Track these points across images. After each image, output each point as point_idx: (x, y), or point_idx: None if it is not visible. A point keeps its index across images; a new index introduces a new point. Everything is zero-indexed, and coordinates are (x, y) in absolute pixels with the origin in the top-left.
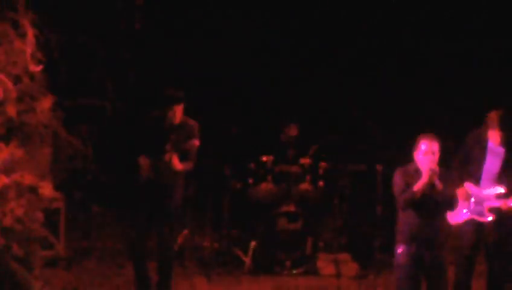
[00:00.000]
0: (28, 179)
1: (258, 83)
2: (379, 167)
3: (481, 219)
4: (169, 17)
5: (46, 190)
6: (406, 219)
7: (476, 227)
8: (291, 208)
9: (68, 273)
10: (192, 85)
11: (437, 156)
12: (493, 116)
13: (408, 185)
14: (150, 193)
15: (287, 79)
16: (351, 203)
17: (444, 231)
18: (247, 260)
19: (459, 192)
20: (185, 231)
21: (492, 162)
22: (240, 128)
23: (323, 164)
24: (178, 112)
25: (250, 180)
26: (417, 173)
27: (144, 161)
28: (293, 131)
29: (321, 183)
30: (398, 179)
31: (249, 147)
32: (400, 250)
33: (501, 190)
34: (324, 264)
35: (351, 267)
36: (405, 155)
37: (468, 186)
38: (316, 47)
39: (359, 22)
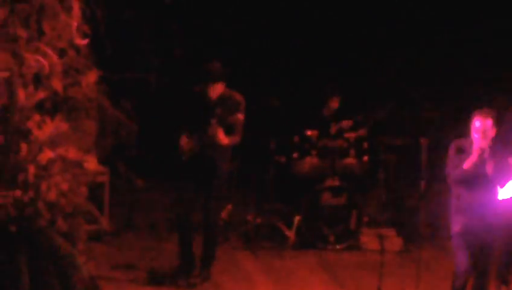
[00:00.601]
0: (73, 153)
1: (302, 56)
2: (424, 141)
3: None
4: None
5: (91, 164)
6: (457, 192)
7: None
8: (336, 183)
9: (112, 247)
10: (238, 59)
11: (490, 133)
12: None
13: (461, 160)
14: (196, 167)
15: (329, 51)
16: (395, 177)
17: (495, 205)
18: (291, 234)
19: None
20: (229, 206)
21: None
22: (284, 103)
23: (368, 138)
24: (216, 89)
25: (295, 155)
26: (471, 148)
27: (184, 141)
28: (335, 104)
29: (365, 157)
30: (451, 152)
31: (293, 121)
32: (454, 220)
33: None
34: (368, 239)
35: (395, 243)
36: (452, 129)
37: None
38: (360, 17)
39: None
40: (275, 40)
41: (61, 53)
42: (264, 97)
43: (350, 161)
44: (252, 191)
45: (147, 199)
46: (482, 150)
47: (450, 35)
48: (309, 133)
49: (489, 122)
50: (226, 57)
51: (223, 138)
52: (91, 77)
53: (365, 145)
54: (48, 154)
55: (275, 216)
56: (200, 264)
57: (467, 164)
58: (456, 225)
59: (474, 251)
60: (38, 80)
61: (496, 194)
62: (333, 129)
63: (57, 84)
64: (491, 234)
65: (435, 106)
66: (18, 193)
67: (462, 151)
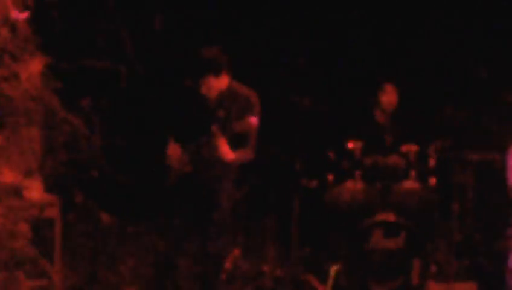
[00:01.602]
0: (9, 177)
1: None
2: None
3: None
4: None
5: (35, 191)
6: None
7: None
8: (390, 217)
9: None
10: (247, 45)
11: None
12: None
13: None
14: (188, 194)
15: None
16: (476, 209)
17: None
18: (327, 289)
19: None
20: (236, 251)
21: None
22: (318, 103)
23: (435, 153)
24: (218, 83)
25: (330, 177)
26: None
27: (174, 150)
28: (390, 101)
29: (433, 180)
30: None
31: (329, 130)
32: None
33: None
34: None
35: None
36: None
37: None
38: None
39: None
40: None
41: None
42: (288, 95)
43: (410, 184)
44: (268, 230)
45: (116, 242)
46: None
47: None
48: (351, 145)
49: None
50: (232, 36)
51: (227, 153)
52: (35, 66)
53: (432, 162)
54: None
55: (301, 266)
56: None
57: None
58: None
59: None
60: None
61: None
62: (388, 140)
63: None
64: None
65: None
66: None
67: None
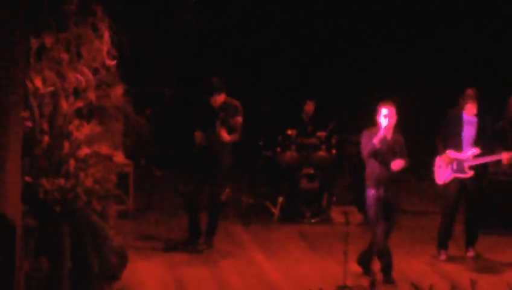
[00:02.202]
0: (105, 150)
1: (286, 71)
2: None
3: (463, 176)
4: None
5: (119, 158)
6: (371, 168)
7: (458, 182)
8: (311, 171)
9: (136, 222)
10: (235, 74)
11: (392, 119)
12: (470, 92)
13: (371, 139)
14: (204, 159)
15: (307, 67)
16: (356, 166)
17: (395, 173)
18: (276, 211)
19: (444, 158)
20: (228, 190)
21: (469, 131)
22: (271, 108)
23: (335, 136)
24: (218, 98)
25: (278, 149)
26: (378, 132)
27: (198, 134)
28: (310, 109)
29: (334, 151)
30: (364, 137)
31: (277, 124)
32: (370, 193)
33: (477, 151)
34: (336, 214)
35: (357, 217)
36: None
37: (451, 152)
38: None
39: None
40: (268, 58)
41: (95, 71)
42: (255, 104)
43: (322, 154)
44: (245, 178)
45: (163, 185)
46: (387, 131)
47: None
48: (289, 132)
49: (392, 109)
50: (226, 73)
51: (225, 136)
52: (118, 90)
53: (333, 141)
54: (85, 151)
55: (263, 197)
56: (205, 235)
57: (376, 139)
58: (372, 197)
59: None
60: (77, 92)
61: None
62: (309, 129)
63: (92, 96)
64: (395, 197)
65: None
66: (62, 181)
67: (372, 136)
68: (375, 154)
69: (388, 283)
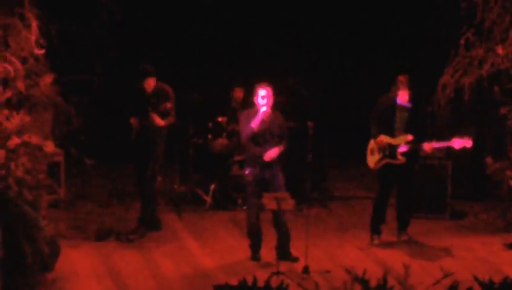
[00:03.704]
0: (35, 139)
1: (214, 58)
2: (310, 124)
3: (395, 161)
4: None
5: (49, 147)
6: (250, 149)
7: (390, 167)
8: (241, 158)
9: (67, 212)
10: (165, 61)
11: (270, 99)
12: (402, 78)
13: (249, 122)
14: (140, 145)
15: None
16: (288, 153)
17: (278, 156)
18: (208, 199)
19: (377, 142)
20: (159, 178)
21: (402, 117)
22: (201, 95)
23: None
24: (151, 82)
25: (209, 136)
26: (256, 114)
27: (134, 121)
28: (239, 95)
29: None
30: (242, 119)
31: (208, 111)
32: (247, 171)
33: (409, 137)
34: (268, 201)
35: (289, 203)
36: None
37: (383, 137)
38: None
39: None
40: (193, 47)
41: (24, 61)
42: (186, 92)
43: None
44: (177, 166)
45: (94, 174)
46: (265, 113)
47: None
48: (220, 119)
49: (269, 91)
50: (154, 61)
51: (159, 121)
52: (47, 79)
53: None
54: (15, 141)
55: (195, 185)
56: (137, 224)
57: (254, 122)
58: (249, 174)
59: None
60: (6, 82)
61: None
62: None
63: (21, 85)
64: (276, 179)
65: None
66: None
67: (250, 117)
68: (254, 136)
69: (292, 260)
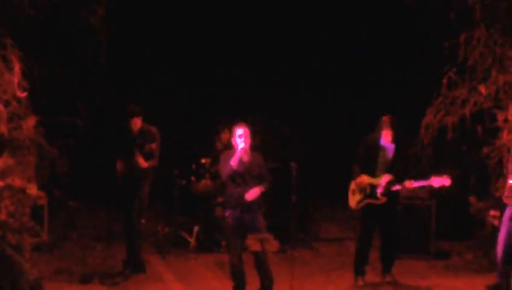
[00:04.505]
0: (18, 182)
1: (200, 100)
2: (293, 164)
3: (376, 201)
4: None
5: (33, 190)
6: (229, 190)
7: (372, 208)
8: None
9: (51, 255)
10: (149, 103)
11: (247, 139)
12: (385, 119)
13: (228, 162)
14: (125, 185)
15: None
16: (272, 194)
17: (259, 198)
18: (192, 240)
19: (358, 182)
20: (143, 220)
21: (385, 157)
22: (184, 137)
23: None
24: (137, 122)
25: (193, 178)
26: (235, 154)
27: (119, 164)
28: (226, 137)
29: None
30: (222, 160)
31: (192, 152)
32: (227, 214)
33: (390, 177)
34: (252, 242)
35: (273, 245)
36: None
37: (364, 177)
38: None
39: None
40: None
41: (6, 103)
42: (169, 134)
43: None
44: (160, 208)
45: (78, 217)
46: (245, 150)
47: None
48: (203, 161)
49: (246, 131)
50: (139, 102)
51: (142, 163)
52: (30, 121)
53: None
54: None
55: (179, 227)
56: (122, 267)
57: (233, 161)
58: (229, 217)
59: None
60: None
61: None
62: None
63: (3, 128)
64: (256, 222)
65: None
66: None
67: (229, 158)
68: (233, 176)
69: None
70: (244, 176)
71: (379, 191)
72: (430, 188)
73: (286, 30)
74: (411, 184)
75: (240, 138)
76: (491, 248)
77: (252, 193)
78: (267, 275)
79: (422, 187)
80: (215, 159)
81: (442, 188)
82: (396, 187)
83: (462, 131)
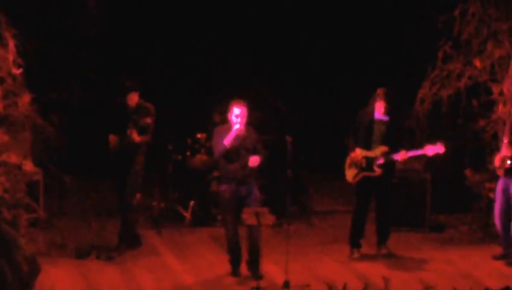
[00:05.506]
0: (14, 159)
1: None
2: (289, 138)
3: (372, 174)
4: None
5: (28, 166)
6: (224, 165)
7: (368, 181)
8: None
9: (47, 231)
10: (145, 77)
11: (244, 117)
12: (380, 92)
13: (222, 139)
14: (119, 160)
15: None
16: (268, 168)
17: (253, 170)
18: (188, 215)
19: (353, 156)
20: (139, 195)
21: (380, 129)
22: (180, 112)
23: None
24: (134, 97)
25: (188, 153)
26: (229, 130)
27: (112, 138)
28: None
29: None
30: (216, 136)
31: (187, 127)
32: (223, 188)
33: (385, 149)
34: (248, 216)
35: (269, 219)
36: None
37: (360, 150)
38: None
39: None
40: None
41: (1, 81)
42: (165, 108)
43: None
44: (156, 183)
45: (73, 192)
46: (240, 130)
47: None
48: (199, 135)
49: (244, 109)
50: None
51: (135, 137)
52: (25, 98)
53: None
54: None
55: (174, 202)
56: (118, 241)
57: (227, 140)
58: (225, 191)
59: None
60: None
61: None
62: None
63: None
64: (253, 196)
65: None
66: None
67: (223, 134)
68: (226, 155)
69: (256, 278)
70: (238, 152)
71: (379, 162)
72: (426, 160)
73: (284, 7)
74: (405, 154)
75: (237, 117)
76: (486, 221)
77: (254, 159)
78: (255, 249)
79: (418, 159)
80: (211, 135)
81: (437, 159)
82: (396, 157)
83: (457, 105)
